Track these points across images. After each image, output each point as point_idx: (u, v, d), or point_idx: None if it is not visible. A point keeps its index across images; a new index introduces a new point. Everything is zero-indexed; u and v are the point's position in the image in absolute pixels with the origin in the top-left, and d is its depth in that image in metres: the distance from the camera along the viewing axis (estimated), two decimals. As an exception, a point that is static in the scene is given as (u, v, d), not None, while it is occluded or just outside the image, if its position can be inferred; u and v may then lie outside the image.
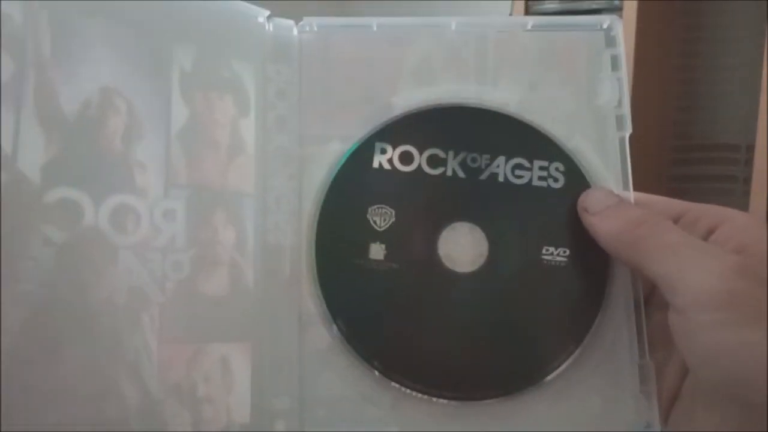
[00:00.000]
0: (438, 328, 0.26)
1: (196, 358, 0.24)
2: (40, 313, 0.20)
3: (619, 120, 0.27)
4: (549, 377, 0.26)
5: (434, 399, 0.25)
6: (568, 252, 0.26)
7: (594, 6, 1.06)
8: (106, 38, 0.22)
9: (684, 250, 0.23)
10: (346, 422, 0.25)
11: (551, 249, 0.27)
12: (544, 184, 0.27)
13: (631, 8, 1.00)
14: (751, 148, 0.97)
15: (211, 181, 0.25)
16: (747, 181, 0.97)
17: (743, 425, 0.22)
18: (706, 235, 0.25)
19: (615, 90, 0.27)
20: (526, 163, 0.27)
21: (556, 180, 0.27)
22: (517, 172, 0.27)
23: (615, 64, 0.27)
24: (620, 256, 0.25)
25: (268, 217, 0.26)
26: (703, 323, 0.22)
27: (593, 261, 0.26)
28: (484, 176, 0.27)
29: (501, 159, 0.27)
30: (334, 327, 0.25)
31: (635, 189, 0.27)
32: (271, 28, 0.26)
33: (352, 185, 0.26)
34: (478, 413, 0.26)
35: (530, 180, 0.27)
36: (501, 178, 0.27)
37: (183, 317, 0.23)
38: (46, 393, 0.20)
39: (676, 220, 0.26)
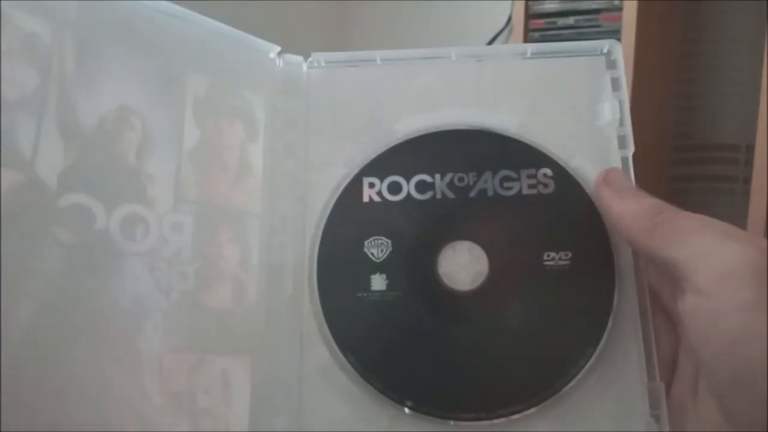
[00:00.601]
0: (440, 348, 0.26)
1: (196, 369, 0.24)
2: (48, 311, 0.21)
3: (621, 140, 0.27)
4: (555, 396, 0.25)
5: (434, 419, 0.25)
6: (570, 254, 0.26)
7: (594, 6, 1.06)
8: (126, 62, 0.24)
9: (708, 230, 0.22)
10: None
11: (552, 254, 0.26)
12: (534, 191, 0.27)
13: (631, 8, 1.00)
14: (751, 148, 0.97)
15: (218, 199, 0.26)
16: (747, 181, 0.97)
17: (751, 424, 0.20)
18: None
19: (616, 111, 0.27)
20: (513, 174, 0.27)
21: (545, 186, 0.27)
22: (506, 184, 0.27)
23: (615, 85, 0.28)
24: (635, 240, 0.24)
25: (274, 237, 0.27)
26: (728, 305, 0.21)
27: (596, 260, 0.26)
28: (473, 193, 0.27)
29: (488, 174, 0.27)
30: (336, 348, 0.26)
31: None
32: (281, 64, 0.28)
33: (346, 221, 0.27)
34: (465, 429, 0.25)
35: (520, 190, 0.27)
36: (490, 193, 0.27)
37: (185, 327, 0.24)
38: (48, 390, 0.21)
39: None
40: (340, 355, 0.26)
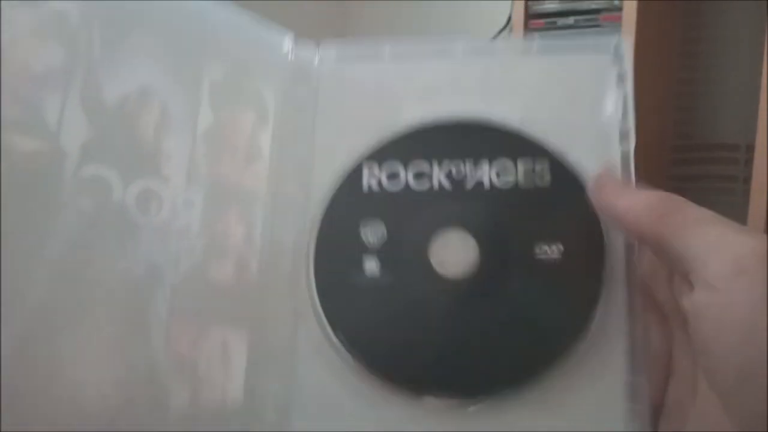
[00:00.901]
0: (426, 333, 0.27)
1: (199, 339, 0.26)
2: (65, 276, 0.23)
3: (623, 134, 0.27)
4: (537, 383, 0.26)
5: (415, 396, 0.26)
6: (562, 248, 0.26)
7: (594, 6, 1.06)
8: (148, 45, 0.25)
9: (715, 223, 0.22)
10: (331, 414, 0.27)
11: (544, 247, 0.26)
12: (530, 184, 0.27)
13: (631, 8, 1.01)
14: (751, 148, 0.97)
15: (227, 180, 0.27)
16: (747, 181, 0.97)
17: (756, 421, 0.20)
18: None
19: (619, 105, 0.27)
20: (510, 166, 0.27)
21: (542, 178, 0.27)
22: (503, 176, 0.27)
23: (621, 81, 0.27)
24: (647, 230, 0.24)
25: (277, 217, 0.28)
26: (741, 300, 0.20)
27: (587, 254, 0.26)
28: (469, 185, 0.28)
29: (485, 166, 0.28)
30: (327, 325, 0.27)
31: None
32: (293, 56, 0.29)
33: (345, 207, 0.28)
34: (465, 415, 0.26)
35: (516, 182, 0.27)
36: (487, 185, 0.27)
37: (192, 299, 0.26)
38: (63, 354, 0.22)
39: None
40: (330, 333, 0.27)
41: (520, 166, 0.27)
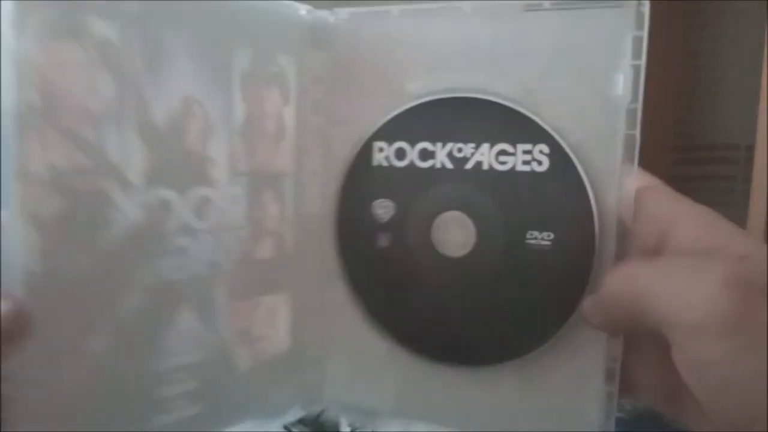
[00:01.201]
0: (424, 304, 0.30)
1: (253, 309, 0.30)
2: (150, 285, 0.25)
3: (630, 115, 0.25)
4: (519, 359, 0.28)
5: (416, 355, 0.30)
6: (552, 236, 0.27)
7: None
8: (184, 50, 0.25)
9: (668, 281, 0.22)
10: (354, 355, 0.32)
11: (535, 233, 0.27)
12: (528, 168, 0.27)
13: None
14: (751, 148, 0.97)
15: (261, 166, 0.29)
16: (747, 181, 0.97)
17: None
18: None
19: (629, 82, 0.25)
20: (510, 149, 0.27)
21: (540, 163, 0.27)
22: (501, 158, 0.28)
23: (636, 50, 0.25)
24: (626, 324, 0.25)
25: (305, 190, 0.31)
26: (707, 359, 0.20)
27: (577, 245, 0.27)
28: (469, 165, 0.28)
29: (485, 146, 0.28)
30: (350, 288, 0.31)
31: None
32: (310, 19, 0.30)
33: (359, 181, 0.30)
34: (454, 375, 0.29)
35: (514, 165, 0.27)
36: (485, 166, 0.28)
37: (244, 279, 0.29)
38: (161, 341, 0.26)
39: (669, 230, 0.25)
40: (353, 294, 0.31)
41: (519, 149, 0.27)
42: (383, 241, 0.30)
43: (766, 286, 0.20)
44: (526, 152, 0.27)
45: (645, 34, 0.25)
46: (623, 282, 0.24)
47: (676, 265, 0.23)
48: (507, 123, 0.27)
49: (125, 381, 0.25)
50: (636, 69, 0.25)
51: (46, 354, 0.22)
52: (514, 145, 0.27)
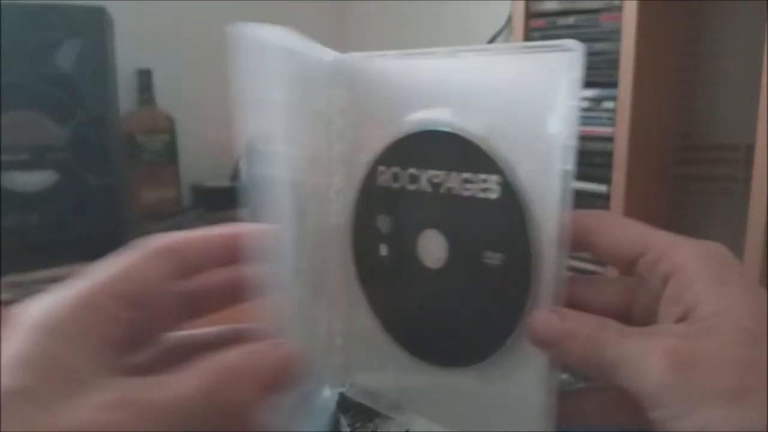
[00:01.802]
0: (411, 308, 0.36)
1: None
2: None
3: (565, 151, 0.28)
4: (476, 364, 0.33)
5: (401, 349, 0.36)
6: (501, 256, 0.31)
7: (594, 6, 1.06)
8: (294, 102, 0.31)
9: (620, 352, 0.25)
10: (364, 342, 0.38)
11: (489, 253, 0.32)
12: (484, 195, 0.32)
13: (631, 8, 1.01)
14: (751, 148, 0.98)
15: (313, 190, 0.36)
16: (747, 181, 0.97)
17: None
18: (663, 283, 0.27)
19: (564, 119, 0.28)
20: (472, 177, 0.32)
21: (493, 191, 0.31)
22: (466, 185, 0.32)
23: (572, 90, 0.28)
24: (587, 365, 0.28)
25: (331, 205, 0.37)
26: (677, 411, 0.23)
27: (520, 265, 0.31)
28: (443, 190, 0.33)
29: (455, 174, 0.33)
30: (361, 287, 0.38)
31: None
32: (333, 60, 0.36)
33: (367, 199, 0.36)
34: (426, 372, 0.35)
35: (474, 192, 0.32)
36: (455, 192, 0.33)
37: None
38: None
39: (637, 258, 0.28)
40: (363, 292, 0.38)
41: (479, 179, 0.32)
42: (383, 250, 0.36)
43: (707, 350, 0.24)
44: (483, 181, 0.31)
45: (578, 77, 0.28)
46: (589, 348, 0.27)
47: (624, 343, 0.26)
48: (470, 155, 0.32)
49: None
50: (571, 109, 0.28)
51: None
52: (475, 174, 0.32)
